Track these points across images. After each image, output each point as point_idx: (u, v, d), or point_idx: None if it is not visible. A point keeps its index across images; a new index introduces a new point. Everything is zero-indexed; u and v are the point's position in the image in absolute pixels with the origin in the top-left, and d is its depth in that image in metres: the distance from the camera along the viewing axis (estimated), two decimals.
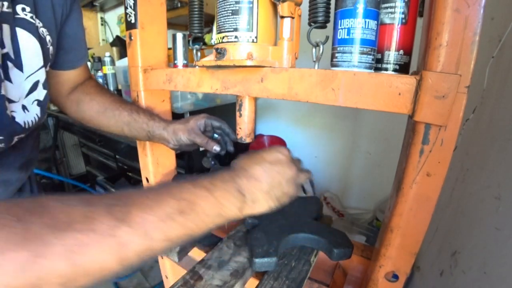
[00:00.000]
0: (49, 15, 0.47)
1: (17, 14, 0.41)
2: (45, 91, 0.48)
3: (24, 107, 0.44)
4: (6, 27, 0.40)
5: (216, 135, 0.59)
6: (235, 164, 0.42)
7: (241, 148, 0.57)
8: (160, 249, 0.29)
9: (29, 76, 0.44)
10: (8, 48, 0.41)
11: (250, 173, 0.39)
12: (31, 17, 0.43)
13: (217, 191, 0.35)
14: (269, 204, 0.39)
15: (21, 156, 0.52)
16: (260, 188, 0.39)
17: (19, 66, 0.43)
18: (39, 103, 0.48)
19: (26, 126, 0.45)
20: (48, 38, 0.48)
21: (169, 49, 0.67)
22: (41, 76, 0.47)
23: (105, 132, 0.64)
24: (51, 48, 0.49)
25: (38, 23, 0.45)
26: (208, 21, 1.39)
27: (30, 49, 0.43)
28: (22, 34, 0.42)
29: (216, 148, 0.56)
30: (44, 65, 0.47)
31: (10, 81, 0.42)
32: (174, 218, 0.30)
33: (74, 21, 0.56)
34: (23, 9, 0.42)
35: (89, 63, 1.98)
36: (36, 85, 0.46)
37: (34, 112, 0.47)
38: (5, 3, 0.38)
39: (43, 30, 0.46)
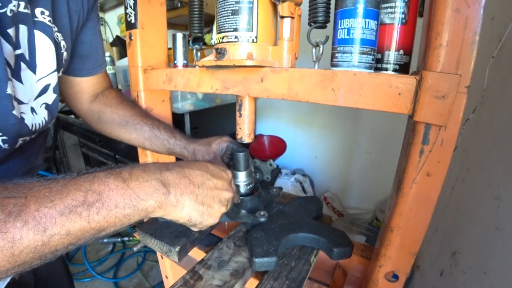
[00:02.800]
0: (65, 21, 0.47)
1: (36, 17, 0.41)
2: (55, 95, 0.48)
3: (32, 109, 0.44)
4: (23, 28, 0.40)
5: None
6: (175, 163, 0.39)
7: None
8: (61, 245, 0.27)
9: (41, 78, 0.44)
10: (24, 49, 0.40)
11: (185, 172, 0.37)
12: (49, 21, 0.43)
13: (134, 181, 0.32)
14: (191, 214, 0.36)
15: (26, 162, 0.51)
16: (191, 191, 0.36)
17: (33, 68, 0.42)
18: (47, 106, 0.47)
19: (33, 129, 0.45)
20: (62, 43, 0.48)
21: (169, 49, 0.67)
22: (53, 80, 0.46)
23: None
24: (65, 53, 0.49)
25: (54, 27, 0.45)
26: (208, 21, 1.39)
27: (45, 52, 0.43)
28: (40, 37, 0.42)
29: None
30: (57, 70, 0.47)
31: (21, 82, 0.41)
32: (77, 211, 0.27)
33: (91, 29, 0.56)
34: (42, 13, 0.42)
35: None
36: (47, 89, 0.46)
37: (42, 115, 0.46)
38: (22, 3, 0.38)
39: (57, 35, 0.46)
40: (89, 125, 0.64)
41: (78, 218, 0.27)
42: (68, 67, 0.55)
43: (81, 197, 0.28)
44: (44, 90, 0.45)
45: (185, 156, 0.58)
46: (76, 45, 0.55)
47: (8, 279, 0.51)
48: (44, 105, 0.46)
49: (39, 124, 0.46)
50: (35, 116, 0.45)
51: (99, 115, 0.62)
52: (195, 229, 0.40)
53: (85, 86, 0.61)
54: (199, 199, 0.37)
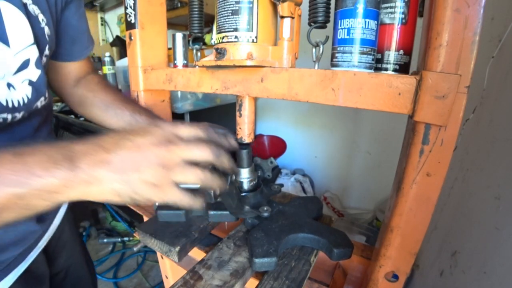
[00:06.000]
0: None
1: None
2: (39, 71, 0.46)
3: (9, 85, 0.42)
4: None
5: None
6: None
7: None
8: None
9: (18, 52, 0.42)
10: None
11: (98, 140, 0.30)
12: None
13: (31, 156, 0.26)
14: (115, 187, 0.29)
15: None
16: (101, 159, 0.29)
17: (4, 40, 0.40)
18: (31, 83, 0.45)
19: (10, 105, 0.42)
20: (41, 16, 0.45)
21: (169, 49, 0.67)
22: (32, 54, 0.44)
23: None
24: (46, 28, 0.46)
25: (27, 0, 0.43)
26: (208, 21, 1.39)
27: (16, 24, 0.41)
28: (7, 7, 0.39)
29: None
30: (36, 44, 0.44)
31: None
32: None
33: (77, 12, 0.55)
34: None
35: None
36: (27, 64, 0.44)
37: (23, 92, 0.44)
38: None
39: (33, 8, 0.44)
40: (72, 110, 0.66)
41: None
42: (57, 51, 0.54)
43: None
44: (24, 66, 0.43)
45: None
46: (61, 28, 0.54)
47: (22, 271, 0.52)
48: (27, 81, 0.44)
49: (19, 101, 0.43)
50: (13, 91, 0.42)
51: (82, 100, 0.62)
52: (149, 201, 0.31)
53: (69, 71, 0.61)
54: (117, 167, 0.29)
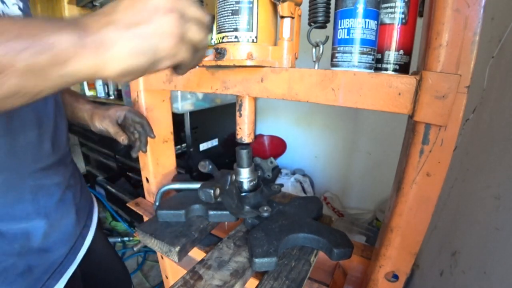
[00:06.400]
0: None
1: None
2: (21, 3, 0.46)
3: (2, 1, 0.42)
4: None
5: (136, 131, 0.60)
6: None
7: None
8: None
9: None
10: None
11: (102, 10, 0.27)
12: None
13: (32, 22, 0.23)
14: (132, 46, 0.26)
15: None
16: (108, 21, 0.25)
17: None
18: (20, 9, 0.45)
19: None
20: None
21: None
22: None
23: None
24: None
25: None
26: None
27: None
28: None
29: (125, 140, 0.54)
30: None
31: None
32: None
33: None
34: None
35: None
36: None
37: (14, 11, 0.44)
38: None
39: None
40: None
41: None
42: None
43: None
44: None
45: (85, 118, 0.61)
46: None
47: (72, 272, 0.52)
48: (16, 6, 0.44)
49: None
50: (6, 8, 0.42)
51: None
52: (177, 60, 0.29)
53: None
54: (126, 22, 0.26)
